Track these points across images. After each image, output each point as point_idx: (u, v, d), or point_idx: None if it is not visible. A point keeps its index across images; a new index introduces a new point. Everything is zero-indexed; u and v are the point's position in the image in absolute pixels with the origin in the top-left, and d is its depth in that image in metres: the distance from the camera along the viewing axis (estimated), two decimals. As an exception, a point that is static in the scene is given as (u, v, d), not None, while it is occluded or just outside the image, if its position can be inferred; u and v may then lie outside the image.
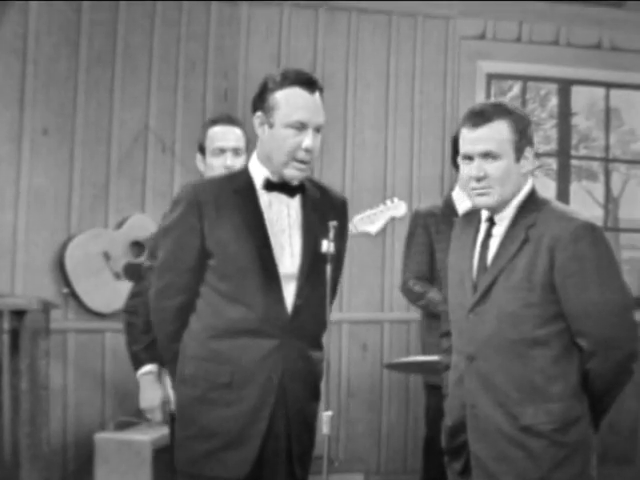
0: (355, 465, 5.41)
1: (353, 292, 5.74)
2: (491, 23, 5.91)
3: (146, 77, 5.44)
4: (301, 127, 3.03)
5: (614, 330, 2.99)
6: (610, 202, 7.11)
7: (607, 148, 6.70)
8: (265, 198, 3.12)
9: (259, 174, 3.13)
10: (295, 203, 3.16)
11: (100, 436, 4.94)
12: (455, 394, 3.12)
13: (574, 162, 6.81)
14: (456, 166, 4.49)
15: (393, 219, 4.37)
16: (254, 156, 3.18)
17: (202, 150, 3.94)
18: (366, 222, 4.30)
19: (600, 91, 6.52)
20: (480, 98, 5.87)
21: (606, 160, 6.94)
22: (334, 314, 5.46)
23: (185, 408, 3.13)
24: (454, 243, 3.24)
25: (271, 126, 3.05)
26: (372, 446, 5.78)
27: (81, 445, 5.23)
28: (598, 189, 8.02)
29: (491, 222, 3.10)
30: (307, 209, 3.16)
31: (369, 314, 5.76)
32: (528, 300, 2.97)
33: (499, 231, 3.07)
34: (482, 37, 5.94)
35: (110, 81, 5.37)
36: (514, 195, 3.06)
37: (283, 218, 3.13)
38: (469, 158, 3.06)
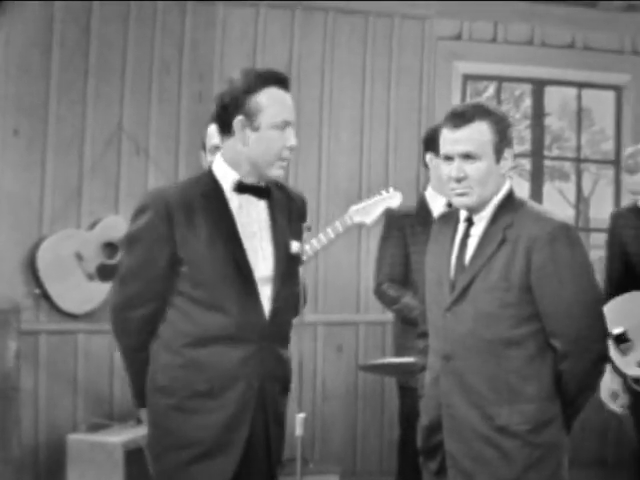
0: (330, 466, 5.40)
1: (328, 293, 5.73)
2: (467, 24, 5.92)
3: (120, 78, 5.40)
4: (285, 126, 3.03)
5: (587, 331, 3.02)
6: (581, 202, 7.17)
7: (579, 148, 6.74)
8: (235, 201, 3.09)
9: (227, 177, 3.08)
10: (262, 205, 3.13)
11: (72, 438, 4.91)
12: (431, 394, 3.14)
13: (547, 162, 6.85)
14: (425, 165, 4.50)
15: (389, 209, 4.31)
16: (219, 159, 3.11)
17: (204, 147, 3.94)
18: (361, 213, 4.24)
19: (572, 91, 6.55)
20: (456, 99, 5.88)
21: (578, 160, 6.99)
22: (309, 315, 5.49)
23: (161, 418, 3.05)
24: (432, 243, 3.26)
25: (256, 129, 3.01)
26: (347, 447, 5.78)
27: (53, 447, 5.18)
28: (570, 189, 8.09)
29: (469, 222, 3.12)
30: (274, 210, 3.14)
31: (344, 315, 5.75)
32: (505, 300, 2.99)
33: (477, 231, 3.09)
34: (458, 37, 5.94)
35: (83, 81, 5.32)
36: (493, 196, 3.08)
37: (253, 221, 3.10)
38: (449, 158, 3.07)
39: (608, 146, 7.28)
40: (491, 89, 7.35)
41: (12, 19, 5.15)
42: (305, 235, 3.89)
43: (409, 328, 4.39)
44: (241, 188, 3.08)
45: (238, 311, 3.01)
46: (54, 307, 5.22)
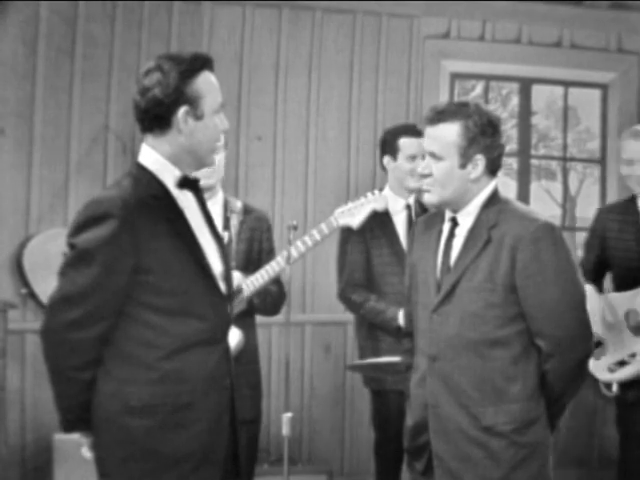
0: (318, 466, 5.40)
1: (316, 293, 5.72)
2: (455, 22, 5.91)
3: (106, 77, 5.37)
4: (220, 110, 2.89)
5: (571, 331, 3.04)
6: (568, 201, 7.18)
7: (565, 147, 6.75)
8: (181, 198, 2.89)
9: (168, 174, 2.87)
10: (193, 199, 2.96)
11: (59, 437, 4.89)
12: (417, 394, 3.15)
13: (533, 161, 6.87)
14: (383, 168, 4.53)
15: (375, 212, 4.29)
16: (155, 157, 2.88)
17: None
18: (347, 215, 4.21)
19: (559, 90, 6.56)
20: (444, 97, 5.88)
21: (564, 159, 7.00)
22: (297, 315, 5.50)
23: (140, 441, 2.76)
24: (417, 244, 3.27)
25: (200, 117, 2.82)
26: (335, 447, 5.77)
27: (40, 445, 5.17)
28: (556, 188, 8.11)
29: (454, 222, 3.13)
30: (203, 203, 3.00)
31: (332, 315, 5.71)
32: (490, 300, 3.01)
33: (462, 231, 3.11)
34: (446, 36, 5.93)
35: (69, 80, 5.30)
36: (462, 198, 3.10)
37: (196, 217, 2.94)
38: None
39: (594, 145, 7.29)
40: (479, 88, 7.35)
41: (-3, 17, 5.14)
42: (291, 235, 3.91)
43: (375, 331, 4.41)
44: (184, 183, 2.90)
45: (211, 313, 2.86)
46: (41, 307, 5.19)
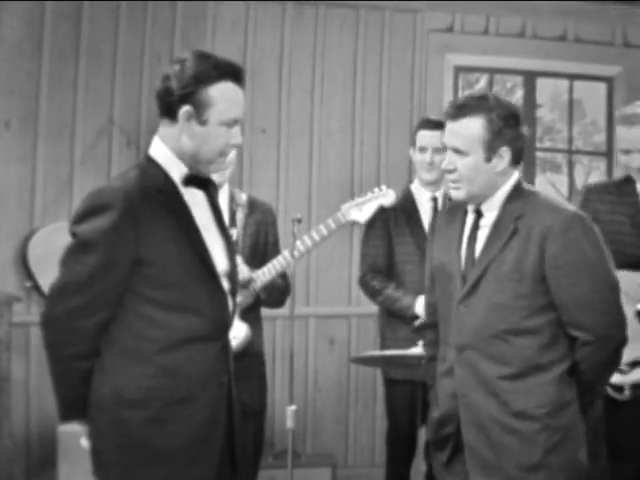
0: (322, 459, 5.40)
1: (320, 286, 5.73)
2: (459, 16, 5.91)
3: (110, 70, 5.38)
4: (233, 124, 2.85)
5: (607, 318, 3.03)
6: (573, 194, 7.17)
7: (570, 140, 6.74)
8: (187, 195, 2.88)
9: (176, 169, 2.87)
10: (201, 195, 2.95)
11: (63, 429, 4.88)
12: (444, 385, 3.14)
13: (539, 154, 6.85)
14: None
15: (382, 207, 4.29)
16: (164, 150, 2.87)
17: None
18: (354, 211, 4.21)
19: (564, 83, 6.55)
20: (448, 91, 5.90)
21: (569, 152, 6.98)
22: (301, 308, 5.50)
23: (133, 433, 2.77)
24: (438, 236, 3.25)
25: (203, 123, 2.80)
26: (339, 440, 5.78)
27: (44, 438, 5.18)
28: (562, 181, 8.09)
29: (478, 214, 3.12)
30: (214, 201, 2.99)
31: (336, 308, 5.75)
32: (518, 291, 3.00)
33: (487, 223, 3.10)
34: (450, 30, 5.93)
35: (74, 74, 5.31)
36: (489, 191, 3.08)
37: (203, 214, 2.92)
38: (445, 148, 3.11)
39: (600, 138, 7.27)
40: (483, 81, 7.34)
41: (2, 12, 5.13)
42: (295, 228, 3.91)
43: (393, 319, 4.41)
44: (190, 181, 2.90)
45: (210, 310, 2.85)
46: (45, 299, 5.20)
